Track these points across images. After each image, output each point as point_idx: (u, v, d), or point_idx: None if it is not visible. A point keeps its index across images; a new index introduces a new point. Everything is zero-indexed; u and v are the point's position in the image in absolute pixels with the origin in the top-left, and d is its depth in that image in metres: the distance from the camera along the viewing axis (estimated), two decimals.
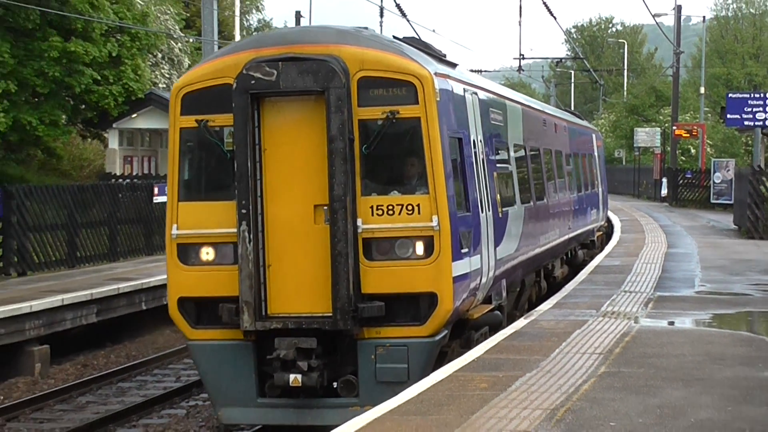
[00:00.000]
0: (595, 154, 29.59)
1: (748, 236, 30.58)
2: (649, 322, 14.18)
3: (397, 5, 23.96)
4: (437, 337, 11.75)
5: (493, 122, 15.10)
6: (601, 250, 26.51)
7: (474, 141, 13.40)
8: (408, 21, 25.00)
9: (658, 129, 64.09)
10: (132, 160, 37.17)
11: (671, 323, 14.26)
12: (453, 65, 13.88)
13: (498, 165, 15.12)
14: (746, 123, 40.95)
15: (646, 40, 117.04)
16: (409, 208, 11.58)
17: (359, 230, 11.51)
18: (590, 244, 27.39)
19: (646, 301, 16.13)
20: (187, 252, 11.93)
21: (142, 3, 36.51)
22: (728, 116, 41.35)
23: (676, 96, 57.95)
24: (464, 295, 12.22)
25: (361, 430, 8.45)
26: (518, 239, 15.96)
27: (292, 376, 11.48)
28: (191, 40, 43.37)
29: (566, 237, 21.94)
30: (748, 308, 16.07)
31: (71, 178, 36.33)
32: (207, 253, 11.87)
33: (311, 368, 11.48)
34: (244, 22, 57.08)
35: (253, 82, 11.48)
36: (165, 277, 12.40)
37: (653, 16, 49.73)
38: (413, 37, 14.10)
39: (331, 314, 11.41)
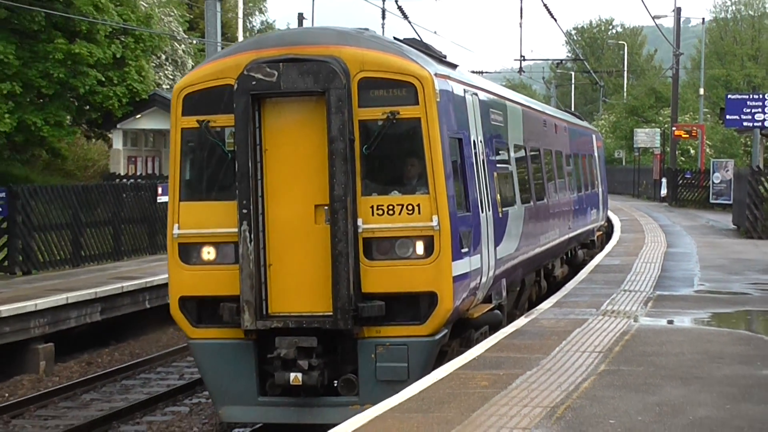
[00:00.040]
0: (595, 154, 29.63)
1: (746, 236, 30.63)
2: (649, 320, 14.23)
3: (399, 7, 24.04)
4: (437, 337, 11.79)
5: (493, 123, 15.14)
6: (601, 249, 26.55)
7: (474, 141, 13.44)
8: (410, 23, 25.09)
9: (658, 130, 64.17)
10: (136, 161, 37.24)
11: (670, 322, 14.30)
12: (453, 66, 13.92)
13: (498, 165, 15.16)
14: (745, 124, 41.09)
15: (645, 41, 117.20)
16: (410, 208, 11.62)
17: (359, 230, 11.55)
18: (590, 244, 27.44)
19: (646, 300, 16.18)
20: (188, 251, 11.98)
21: (146, 5, 36.62)
22: (727, 117, 41.48)
23: (675, 97, 58.01)
24: (464, 295, 12.27)
25: (363, 428, 8.49)
26: (518, 239, 16.00)
27: (292, 375, 11.53)
28: (195, 42, 43.49)
29: (566, 237, 21.98)
30: (747, 307, 16.11)
31: (76, 179, 36.46)
32: (208, 253, 11.92)
33: (311, 367, 11.52)
34: (247, 24, 57.22)
35: (254, 82, 11.52)
36: (168, 276, 12.45)
37: (653, 18, 49.75)
38: (413, 39, 14.14)
39: (331, 313, 11.45)
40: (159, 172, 36.73)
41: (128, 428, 14.57)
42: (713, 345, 12.31)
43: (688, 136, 55.02)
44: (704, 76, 64.90)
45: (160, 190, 26.35)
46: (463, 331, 13.10)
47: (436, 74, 11.97)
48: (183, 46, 43.39)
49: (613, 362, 11.10)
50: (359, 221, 11.56)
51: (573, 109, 78.05)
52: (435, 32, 46.39)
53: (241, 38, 36.07)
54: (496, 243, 14.12)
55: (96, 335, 19.93)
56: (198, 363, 12.44)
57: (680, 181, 52.49)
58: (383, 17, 36.53)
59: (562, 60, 79.00)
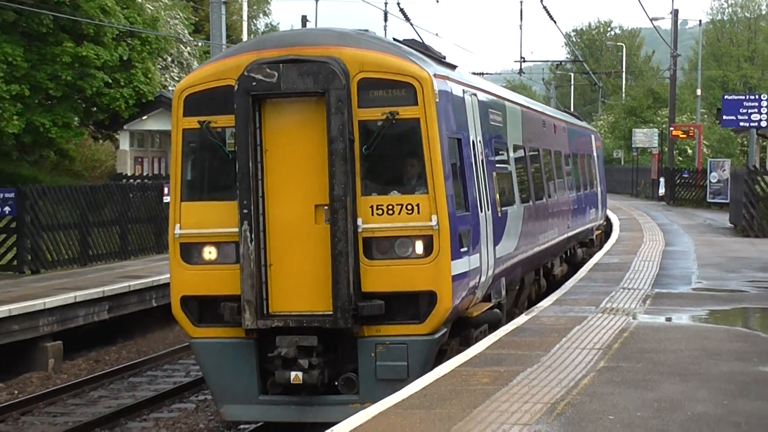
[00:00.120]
0: (594, 154, 29.70)
1: (743, 234, 30.72)
2: (647, 318, 14.30)
3: (401, 10, 24.13)
4: (436, 335, 11.85)
5: (492, 123, 15.20)
6: (600, 248, 26.62)
7: (473, 141, 13.50)
8: (411, 25, 25.16)
9: (656, 130, 64.25)
10: (142, 161, 37.31)
11: (668, 319, 14.38)
12: (452, 67, 13.97)
13: (497, 165, 15.22)
14: (741, 124, 41.13)
15: (643, 43, 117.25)
16: (409, 207, 11.68)
17: (359, 230, 11.61)
18: (589, 243, 27.52)
19: (644, 298, 16.25)
20: (189, 251, 12.04)
21: (153, 8, 36.69)
22: (724, 117, 41.52)
23: (673, 98, 58.09)
24: (463, 294, 12.33)
25: (367, 423, 8.55)
26: (517, 238, 16.06)
27: (293, 374, 11.58)
28: (200, 44, 43.53)
29: (565, 236, 22.04)
30: (744, 305, 16.18)
31: (83, 179, 36.54)
32: (209, 253, 11.98)
33: (312, 366, 11.58)
34: (252, 26, 57.26)
35: (254, 83, 11.58)
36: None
37: (651, 20, 49.78)
38: (413, 40, 14.19)
39: (331, 313, 11.50)
40: (165, 173, 36.76)
41: (135, 425, 14.68)
42: (711, 342, 12.38)
43: (685, 136, 55.09)
44: (701, 77, 64.95)
45: (166, 190, 26.52)
46: (463, 329, 13.16)
47: (435, 75, 12.03)
48: (188, 48, 43.46)
49: (612, 359, 11.17)
50: (359, 221, 11.62)
51: (572, 109, 78.06)
52: (437, 34, 46.70)
53: (245, 40, 36.14)
54: (495, 242, 14.17)
55: (103, 333, 20.12)
56: (199, 362, 12.51)
57: (678, 181, 52.58)
58: (385, 19, 36.67)
59: (561, 61, 79.22)
